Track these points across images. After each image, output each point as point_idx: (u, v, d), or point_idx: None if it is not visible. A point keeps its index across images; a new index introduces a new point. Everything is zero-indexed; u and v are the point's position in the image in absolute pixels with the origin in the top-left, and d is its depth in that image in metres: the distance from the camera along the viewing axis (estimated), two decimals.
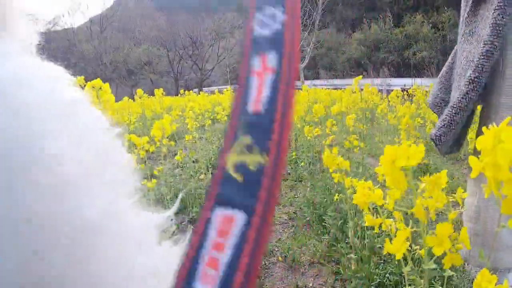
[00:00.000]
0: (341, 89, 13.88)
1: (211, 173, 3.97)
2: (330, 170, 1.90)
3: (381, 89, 21.26)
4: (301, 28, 21.92)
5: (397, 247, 0.72)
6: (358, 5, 34.04)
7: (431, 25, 31.06)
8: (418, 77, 23.81)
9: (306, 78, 22.53)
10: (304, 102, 4.57)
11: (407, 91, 11.50)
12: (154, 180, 2.29)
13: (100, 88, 1.56)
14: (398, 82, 21.56)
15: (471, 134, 4.10)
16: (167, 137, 2.63)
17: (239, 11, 35.03)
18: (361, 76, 4.21)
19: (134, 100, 9.69)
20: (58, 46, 33.83)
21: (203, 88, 33.65)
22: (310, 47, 20.81)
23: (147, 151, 2.34)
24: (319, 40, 22.97)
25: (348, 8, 34.11)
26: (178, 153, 3.62)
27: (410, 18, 32.54)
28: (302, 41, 21.25)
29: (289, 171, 4.29)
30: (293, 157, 4.37)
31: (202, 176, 3.75)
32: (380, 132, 6.65)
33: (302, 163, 3.72)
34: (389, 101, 6.90)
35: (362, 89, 7.98)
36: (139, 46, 35.90)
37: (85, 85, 4.61)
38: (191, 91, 17.66)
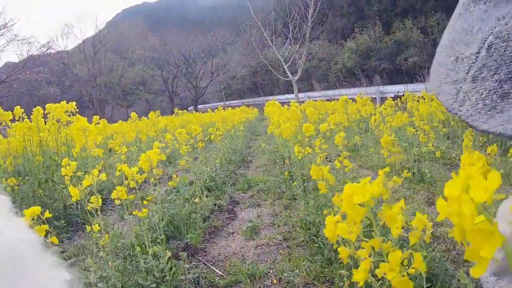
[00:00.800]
0: (334, 100, 13.97)
1: (206, 196, 3.99)
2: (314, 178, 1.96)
3: (375, 97, 21.42)
4: (292, 41, 22.17)
5: (359, 276, 0.80)
6: (348, 15, 34.44)
7: (420, 30, 31.40)
8: (411, 82, 24.04)
9: (300, 91, 22.64)
10: (294, 119, 4.60)
11: (400, 97, 11.63)
12: (145, 210, 2.31)
13: (87, 129, 1.59)
14: (391, 89, 21.75)
15: (466, 140, 4.13)
16: (158, 165, 2.66)
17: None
18: (346, 97, 4.27)
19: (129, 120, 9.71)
20: (53, 69, 34.01)
21: (199, 106, 33.81)
22: (302, 60, 20.97)
23: (136, 181, 2.36)
24: (310, 52, 23.15)
25: (338, 18, 34.50)
26: (173, 177, 3.64)
27: (400, 24, 32.84)
28: (294, 54, 21.43)
29: (283, 190, 4.32)
30: (286, 176, 4.38)
31: (196, 200, 3.76)
32: (375, 142, 6.69)
33: (295, 183, 3.74)
34: (381, 112, 6.95)
35: (354, 100, 8.03)
36: (133, 66, 36.12)
37: (76, 112, 4.66)
38: (185, 110, 17.70)
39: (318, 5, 21.33)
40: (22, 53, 30.82)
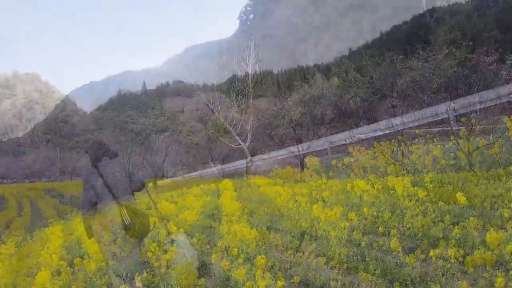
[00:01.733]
0: (289, 164, 14.38)
1: None
2: None
3: (326, 148, 22.30)
4: (237, 110, 22.95)
5: None
6: (288, 71, 36.23)
7: (356, 71, 33.31)
8: (355, 124, 25.28)
9: (252, 154, 23.08)
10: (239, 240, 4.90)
11: (347, 144, 12.23)
12: None
13: None
14: (339, 138, 22.78)
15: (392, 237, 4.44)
16: None
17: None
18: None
19: None
20: (9, 154, 33.79)
21: (158, 182, 33.57)
22: (249, 126, 21.62)
23: None
24: (257, 113, 23.79)
25: (279, 73, 36.22)
26: None
27: (337, 69, 34.72)
28: (241, 121, 22.12)
29: None
30: None
31: None
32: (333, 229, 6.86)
33: None
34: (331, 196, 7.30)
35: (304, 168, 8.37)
36: (85, 153, 35.89)
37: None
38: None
39: (256, 70, 22.38)
40: None
